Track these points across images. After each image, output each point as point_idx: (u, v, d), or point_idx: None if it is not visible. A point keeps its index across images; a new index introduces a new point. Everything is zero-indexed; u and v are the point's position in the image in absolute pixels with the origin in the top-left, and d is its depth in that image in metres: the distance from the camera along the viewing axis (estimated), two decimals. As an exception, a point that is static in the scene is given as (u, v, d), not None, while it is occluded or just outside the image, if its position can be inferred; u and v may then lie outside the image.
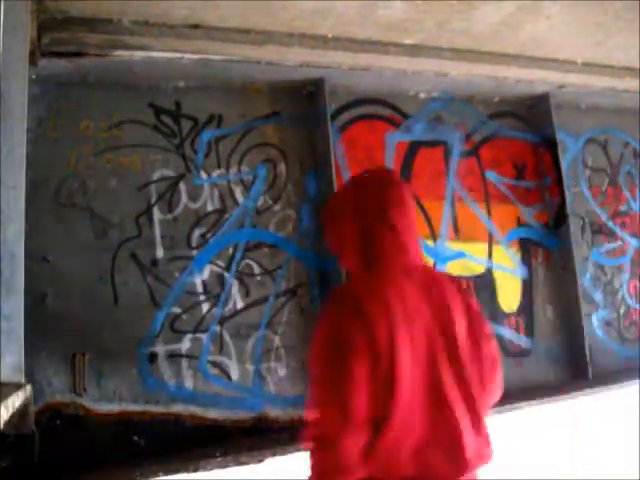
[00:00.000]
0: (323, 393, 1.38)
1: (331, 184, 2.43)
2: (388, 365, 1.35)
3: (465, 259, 2.78)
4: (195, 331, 2.24)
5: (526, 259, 2.94)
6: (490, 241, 2.86)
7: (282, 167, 2.49)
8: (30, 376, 1.71)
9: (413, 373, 1.38)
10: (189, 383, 2.19)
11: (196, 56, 2.18)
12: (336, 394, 1.34)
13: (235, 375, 2.27)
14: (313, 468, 1.33)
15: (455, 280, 1.66)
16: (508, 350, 2.79)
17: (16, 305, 1.53)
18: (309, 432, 1.36)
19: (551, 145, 3.00)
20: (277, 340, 2.36)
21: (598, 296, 3.08)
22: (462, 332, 1.49)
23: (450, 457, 1.39)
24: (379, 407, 1.35)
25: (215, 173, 2.38)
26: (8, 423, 1.18)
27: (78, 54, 2.02)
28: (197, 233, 2.31)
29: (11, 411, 1.22)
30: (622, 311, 3.15)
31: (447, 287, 1.54)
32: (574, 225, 2.99)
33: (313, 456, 1.34)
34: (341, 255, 1.62)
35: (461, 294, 1.56)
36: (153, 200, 2.26)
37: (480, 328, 1.56)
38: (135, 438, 2.06)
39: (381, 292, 1.43)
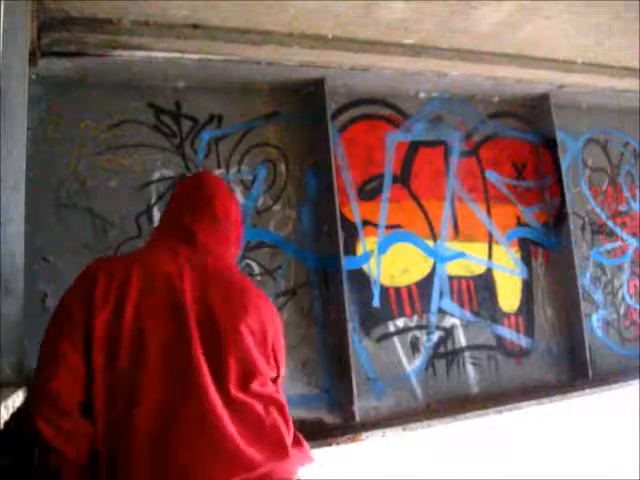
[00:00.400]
0: (37, 360, 1.26)
1: (331, 184, 2.43)
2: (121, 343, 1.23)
3: (465, 259, 2.78)
4: (195, 331, 2.24)
5: (526, 259, 2.94)
6: (490, 241, 2.86)
7: (282, 167, 2.49)
8: (30, 376, 1.70)
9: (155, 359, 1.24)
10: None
11: (196, 56, 2.18)
12: (40, 365, 1.24)
13: (235, 375, 2.27)
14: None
15: (270, 307, 1.46)
16: (508, 350, 2.79)
17: (16, 305, 1.53)
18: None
19: (551, 145, 3.00)
20: (277, 340, 2.36)
21: (598, 296, 3.08)
22: (246, 340, 1.31)
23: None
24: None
25: (215, 173, 2.37)
26: (8, 423, 1.18)
27: (78, 54, 2.03)
28: (197, 233, 2.31)
29: (11, 411, 1.22)
30: (622, 311, 3.15)
31: (250, 302, 1.36)
32: (574, 225, 3.00)
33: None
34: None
35: (270, 317, 1.40)
36: (153, 200, 2.26)
37: (273, 355, 1.39)
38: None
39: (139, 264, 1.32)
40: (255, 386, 1.31)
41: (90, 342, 1.23)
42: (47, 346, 1.26)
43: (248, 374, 1.31)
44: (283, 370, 1.46)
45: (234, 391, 1.28)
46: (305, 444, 1.43)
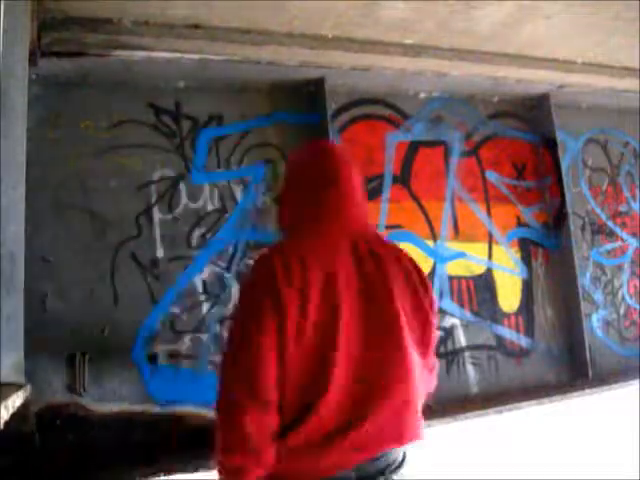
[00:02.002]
0: (227, 365, 1.32)
1: (331, 184, 2.43)
2: (315, 340, 1.29)
3: (465, 259, 2.78)
4: (195, 331, 2.24)
5: (526, 259, 2.94)
6: (490, 241, 2.86)
7: (282, 167, 2.49)
8: (30, 376, 1.70)
9: (344, 351, 1.31)
10: (189, 383, 2.19)
11: (196, 56, 2.18)
12: (240, 366, 1.28)
13: (235, 375, 2.27)
14: (217, 444, 1.27)
15: (410, 258, 1.53)
16: (508, 350, 2.79)
17: (16, 305, 1.53)
18: (215, 407, 1.29)
19: (551, 145, 3.00)
20: (277, 340, 2.36)
21: (598, 296, 3.08)
22: (405, 308, 1.41)
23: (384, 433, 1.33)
24: (306, 389, 1.28)
25: (215, 173, 2.38)
26: (8, 423, 1.18)
27: (78, 54, 2.03)
28: (197, 233, 2.31)
29: (11, 411, 1.22)
30: (622, 311, 3.15)
31: (394, 260, 1.45)
32: (574, 225, 3.00)
33: (217, 432, 1.27)
34: (279, 217, 1.59)
35: (414, 271, 1.48)
36: (153, 200, 2.26)
37: (427, 312, 1.47)
38: (135, 438, 2.06)
39: (308, 258, 1.35)
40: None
41: (282, 334, 1.27)
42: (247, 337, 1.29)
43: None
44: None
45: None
46: None
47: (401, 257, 1.48)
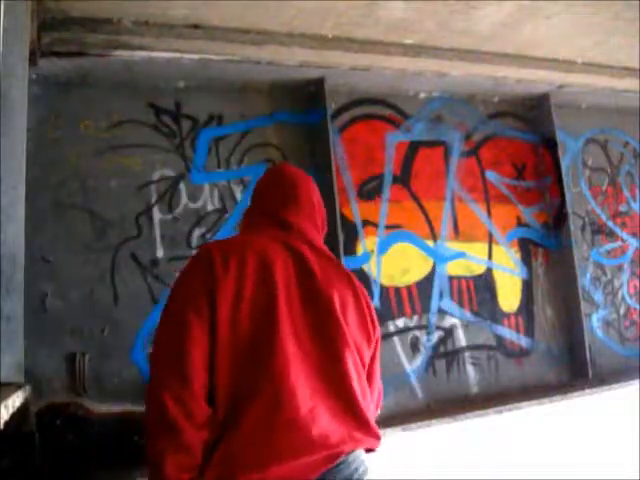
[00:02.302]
0: (156, 346, 1.27)
1: (331, 184, 2.43)
2: (250, 332, 1.26)
3: (465, 259, 2.78)
4: (195, 331, 2.24)
5: (526, 259, 2.94)
6: (490, 241, 2.86)
7: (282, 167, 2.49)
8: (30, 376, 1.71)
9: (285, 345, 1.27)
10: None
11: (196, 56, 2.18)
12: (168, 347, 1.24)
13: (235, 375, 2.27)
14: (147, 429, 1.20)
15: (359, 283, 1.51)
16: (508, 350, 2.79)
17: (16, 305, 1.53)
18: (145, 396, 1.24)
19: (551, 145, 3.00)
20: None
21: (598, 296, 3.08)
22: (346, 320, 1.38)
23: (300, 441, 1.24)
24: (241, 381, 1.23)
25: (215, 173, 2.38)
26: (8, 423, 1.18)
27: (78, 54, 2.03)
28: (197, 233, 2.31)
29: (11, 411, 1.22)
30: (622, 311, 3.15)
31: (341, 277, 1.44)
32: (574, 225, 3.00)
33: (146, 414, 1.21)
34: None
35: (362, 295, 1.46)
36: (153, 200, 2.26)
37: (369, 332, 1.45)
38: (135, 438, 2.06)
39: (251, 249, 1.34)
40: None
41: (215, 318, 1.25)
42: (175, 316, 1.27)
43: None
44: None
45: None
46: None
47: (351, 278, 1.47)
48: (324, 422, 1.28)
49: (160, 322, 1.30)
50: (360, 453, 1.35)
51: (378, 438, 1.39)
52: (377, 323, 1.49)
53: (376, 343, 1.49)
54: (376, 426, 1.39)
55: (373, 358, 1.49)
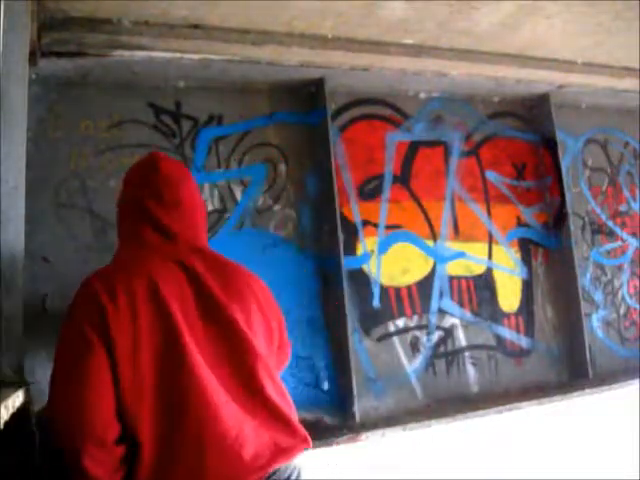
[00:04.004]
0: (55, 400, 1.21)
1: (331, 184, 2.43)
2: (155, 355, 1.21)
3: (465, 259, 2.78)
4: (195, 331, 2.23)
5: (526, 259, 2.94)
6: (490, 241, 2.86)
7: (282, 167, 2.49)
8: (30, 376, 1.70)
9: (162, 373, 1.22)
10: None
11: (196, 56, 2.18)
12: (69, 402, 1.18)
13: (235, 375, 2.27)
14: None
15: (253, 276, 1.49)
16: (508, 350, 2.79)
17: (16, 305, 1.53)
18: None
19: (551, 145, 3.00)
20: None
21: (598, 296, 3.08)
22: (247, 318, 1.36)
23: (224, 463, 1.22)
24: (158, 420, 1.19)
25: (215, 173, 2.38)
26: (8, 423, 1.18)
27: (78, 54, 2.02)
28: (197, 233, 2.31)
29: (11, 411, 1.22)
30: (622, 311, 3.15)
31: (238, 278, 1.41)
32: (574, 225, 3.00)
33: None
34: (117, 228, 1.51)
35: (259, 289, 1.44)
36: (153, 200, 2.26)
37: (270, 326, 1.43)
38: (135, 438, 2.06)
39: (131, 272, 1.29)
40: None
41: (114, 363, 1.19)
42: (69, 369, 1.21)
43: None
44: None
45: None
46: None
47: (248, 279, 1.44)
48: (253, 443, 1.26)
49: (55, 372, 1.23)
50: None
51: (307, 441, 1.38)
52: (277, 308, 1.47)
53: (280, 329, 1.47)
54: (302, 428, 1.38)
55: (282, 339, 1.48)
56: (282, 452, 1.30)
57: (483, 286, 2.80)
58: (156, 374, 1.22)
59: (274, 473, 1.29)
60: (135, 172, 1.51)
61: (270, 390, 1.33)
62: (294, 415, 1.40)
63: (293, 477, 1.33)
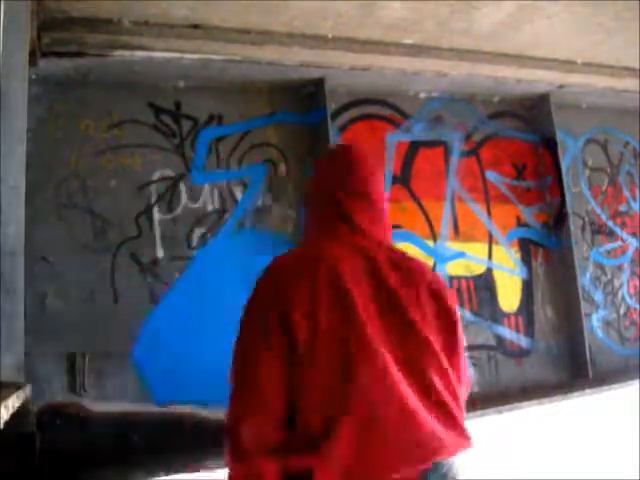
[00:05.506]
0: (232, 386, 1.26)
1: (331, 184, 2.43)
2: (332, 350, 1.22)
3: (465, 259, 2.78)
4: (195, 331, 2.24)
5: (526, 259, 2.94)
6: (490, 241, 2.86)
7: (282, 167, 2.49)
8: (30, 376, 1.71)
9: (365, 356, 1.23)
10: (189, 383, 2.19)
11: (196, 56, 2.18)
12: (243, 381, 1.23)
13: (235, 375, 2.27)
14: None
15: (436, 277, 1.49)
16: (508, 350, 2.79)
17: (16, 305, 1.53)
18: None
19: (551, 145, 3.00)
20: (277, 340, 2.35)
21: (598, 296, 3.08)
22: (427, 320, 1.35)
23: (406, 449, 1.25)
24: (327, 403, 1.21)
25: (215, 173, 2.38)
26: (8, 423, 1.18)
27: (78, 54, 2.02)
28: (197, 233, 2.31)
29: (11, 411, 1.22)
30: (622, 311, 3.15)
31: (417, 277, 1.39)
32: (574, 225, 2.99)
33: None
34: (304, 218, 1.53)
35: (439, 293, 1.41)
36: (153, 200, 2.26)
37: (454, 331, 1.41)
38: (135, 438, 2.06)
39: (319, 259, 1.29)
40: None
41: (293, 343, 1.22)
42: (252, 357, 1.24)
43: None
44: None
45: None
46: None
47: (430, 279, 1.42)
48: (428, 427, 1.28)
49: (233, 357, 1.29)
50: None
51: (470, 441, 1.39)
52: (455, 311, 1.44)
53: (456, 335, 1.43)
54: (468, 429, 1.39)
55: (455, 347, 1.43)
56: (446, 448, 1.31)
57: (483, 286, 2.80)
58: (331, 361, 1.23)
59: (437, 465, 1.29)
60: (327, 162, 1.52)
61: (445, 396, 1.33)
62: (462, 416, 1.39)
63: (451, 473, 1.33)
